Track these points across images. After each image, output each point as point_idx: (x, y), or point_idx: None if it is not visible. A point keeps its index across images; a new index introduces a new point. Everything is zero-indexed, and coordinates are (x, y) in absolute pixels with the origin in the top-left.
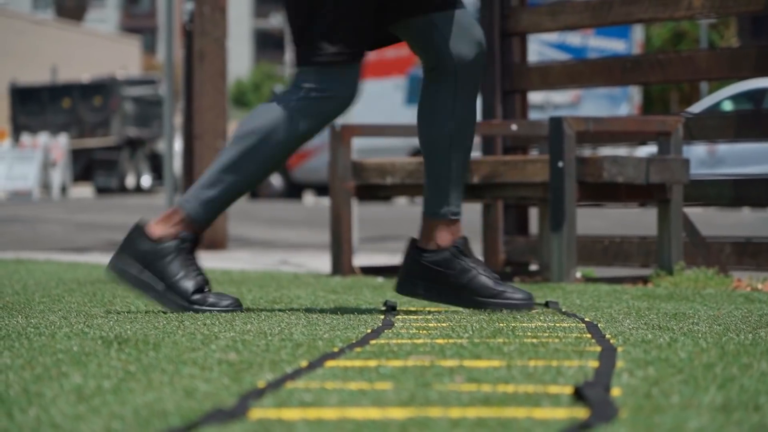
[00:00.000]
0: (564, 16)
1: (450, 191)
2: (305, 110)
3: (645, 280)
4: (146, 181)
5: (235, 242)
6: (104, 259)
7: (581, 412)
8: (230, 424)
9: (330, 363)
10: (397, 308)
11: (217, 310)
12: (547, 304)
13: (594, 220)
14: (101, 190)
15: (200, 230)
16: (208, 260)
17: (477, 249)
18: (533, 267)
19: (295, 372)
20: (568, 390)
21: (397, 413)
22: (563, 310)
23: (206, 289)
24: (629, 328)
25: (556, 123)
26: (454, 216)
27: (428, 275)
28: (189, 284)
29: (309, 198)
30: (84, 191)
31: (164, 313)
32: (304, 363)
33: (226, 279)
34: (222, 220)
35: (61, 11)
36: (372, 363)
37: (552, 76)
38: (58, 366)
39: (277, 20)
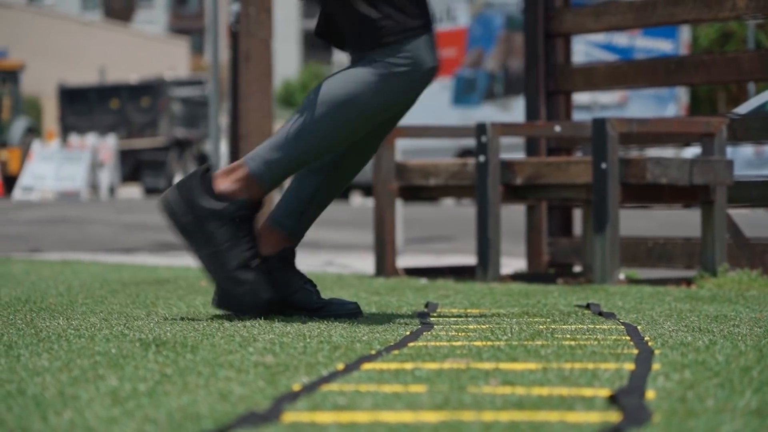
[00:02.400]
0: (608, 17)
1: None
2: (386, 83)
3: (688, 281)
4: None
5: None
6: (150, 259)
7: (614, 416)
8: (263, 428)
9: (366, 365)
10: (438, 310)
11: (249, 298)
12: (588, 306)
13: (640, 221)
14: (149, 191)
15: (260, 195)
16: None
17: (521, 250)
18: (577, 268)
19: (330, 375)
20: (602, 393)
21: (430, 417)
22: (603, 312)
23: (253, 265)
24: (669, 330)
25: (599, 124)
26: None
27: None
28: (233, 256)
29: (356, 198)
30: (132, 192)
31: (205, 315)
32: (340, 366)
33: None
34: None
35: (110, 12)
36: (408, 366)
37: (596, 77)
38: (95, 368)
39: None
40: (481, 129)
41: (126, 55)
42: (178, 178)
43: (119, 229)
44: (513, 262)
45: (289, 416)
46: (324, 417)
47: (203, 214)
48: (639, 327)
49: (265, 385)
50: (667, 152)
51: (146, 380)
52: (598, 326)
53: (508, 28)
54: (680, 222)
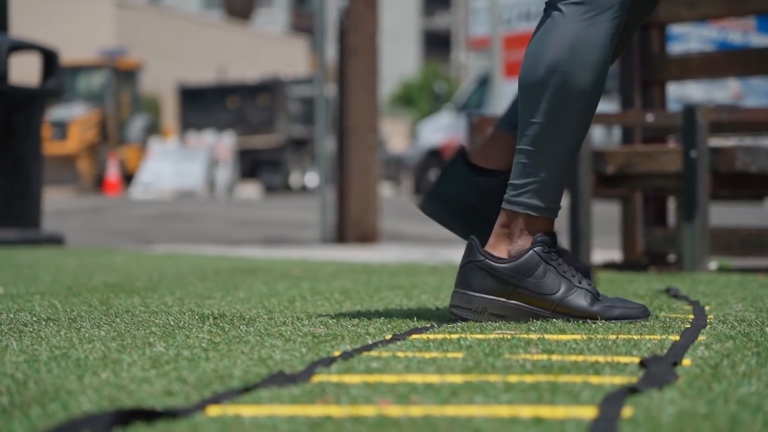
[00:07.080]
0: (701, 7)
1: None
2: (595, 14)
3: None
4: (311, 179)
5: (388, 236)
6: (255, 252)
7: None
8: (289, 387)
9: (414, 336)
10: None
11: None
12: (667, 290)
13: (749, 217)
14: (266, 189)
15: (550, 224)
16: (356, 253)
17: (615, 241)
18: (671, 258)
19: (374, 343)
20: (637, 360)
21: (456, 379)
22: (679, 294)
23: (595, 292)
24: (736, 310)
25: (689, 112)
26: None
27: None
28: (577, 297)
29: None
30: (249, 190)
31: (281, 296)
32: (388, 336)
33: (363, 269)
34: (372, 214)
35: (230, 11)
36: (455, 336)
37: (690, 67)
38: (147, 338)
39: (443, 19)
40: None
41: (245, 54)
42: (295, 177)
43: (231, 225)
44: (608, 254)
45: (318, 377)
46: (352, 378)
47: (514, 281)
48: (707, 307)
49: (307, 352)
50: None
51: (193, 347)
52: (664, 305)
53: None
54: None
